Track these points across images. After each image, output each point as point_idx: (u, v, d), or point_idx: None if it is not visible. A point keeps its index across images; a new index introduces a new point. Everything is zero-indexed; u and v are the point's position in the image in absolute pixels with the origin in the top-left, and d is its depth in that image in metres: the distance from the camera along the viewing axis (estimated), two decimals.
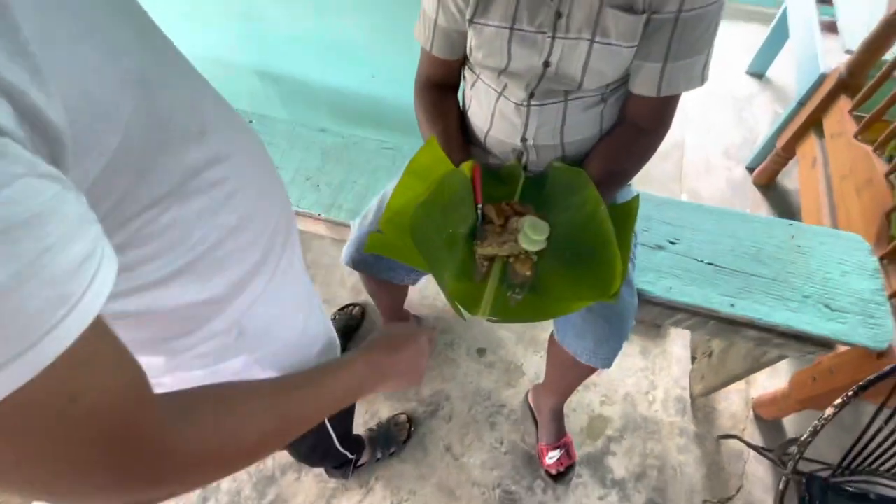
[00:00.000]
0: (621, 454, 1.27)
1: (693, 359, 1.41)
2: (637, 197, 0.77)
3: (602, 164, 0.80)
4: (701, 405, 1.35)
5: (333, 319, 1.31)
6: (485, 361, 1.43)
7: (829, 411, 0.72)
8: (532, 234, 0.76)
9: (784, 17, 1.89)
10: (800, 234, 1.00)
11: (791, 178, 1.76)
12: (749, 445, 1.20)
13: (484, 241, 0.77)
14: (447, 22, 0.77)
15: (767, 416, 1.28)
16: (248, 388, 0.38)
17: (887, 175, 1.11)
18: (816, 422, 0.74)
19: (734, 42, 2.35)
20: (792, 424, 1.30)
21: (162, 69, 0.33)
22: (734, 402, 1.35)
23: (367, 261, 0.91)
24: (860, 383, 0.72)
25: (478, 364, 1.43)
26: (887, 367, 0.71)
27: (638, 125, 0.79)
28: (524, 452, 1.28)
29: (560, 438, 1.22)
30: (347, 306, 1.49)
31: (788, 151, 1.62)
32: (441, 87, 0.89)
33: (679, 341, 1.46)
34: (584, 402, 1.35)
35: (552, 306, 0.71)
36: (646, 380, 1.39)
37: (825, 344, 0.89)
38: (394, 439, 1.25)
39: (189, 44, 1.59)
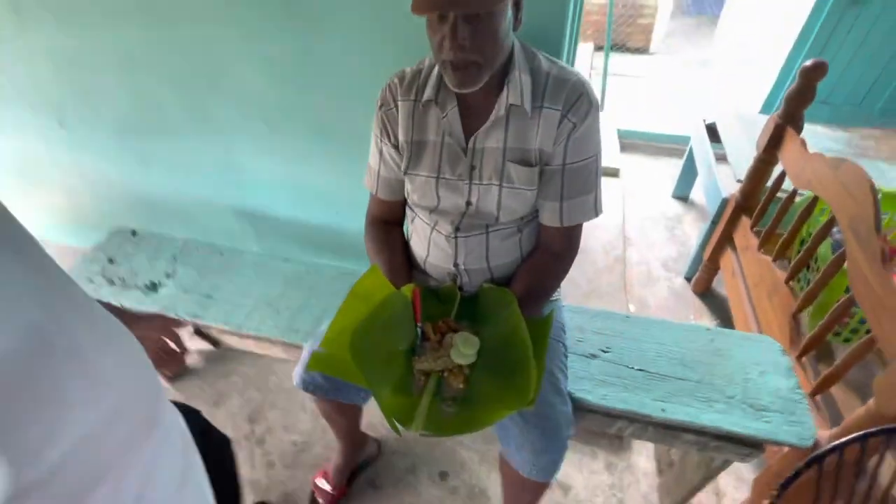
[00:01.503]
0: None
1: (659, 471, 1.38)
2: (552, 312, 0.88)
3: (524, 284, 0.92)
4: None
5: None
6: (447, 486, 1.37)
7: None
8: (463, 349, 0.83)
9: (691, 152, 2.26)
10: (718, 338, 1.09)
11: (723, 285, 1.92)
12: None
13: (421, 357, 0.84)
14: (387, 172, 0.95)
15: None
16: None
17: (786, 281, 1.26)
18: None
19: (660, 172, 2.74)
20: None
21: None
22: None
23: (316, 381, 0.95)
24: (780, 483, 0.75)
25: (440, 490, 1.36)
26: (800, 464, 0.75)
27: (551, 250, 0.93)
28: None
29: None
30: None
31: (714, 263, 1.81)
32: (387, 222, 1.04)
33: (644, 453, 1.44)
34: None
35: (480, 416, 0.76)
36: (614, 497, 1.34)
37: (755, 444, 0.93)
38: None
39: (176, 189, 1.77)
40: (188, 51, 1.26)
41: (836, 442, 0.75)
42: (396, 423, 0.74)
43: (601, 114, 3.35)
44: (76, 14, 1.28)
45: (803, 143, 1.29)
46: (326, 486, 1.31)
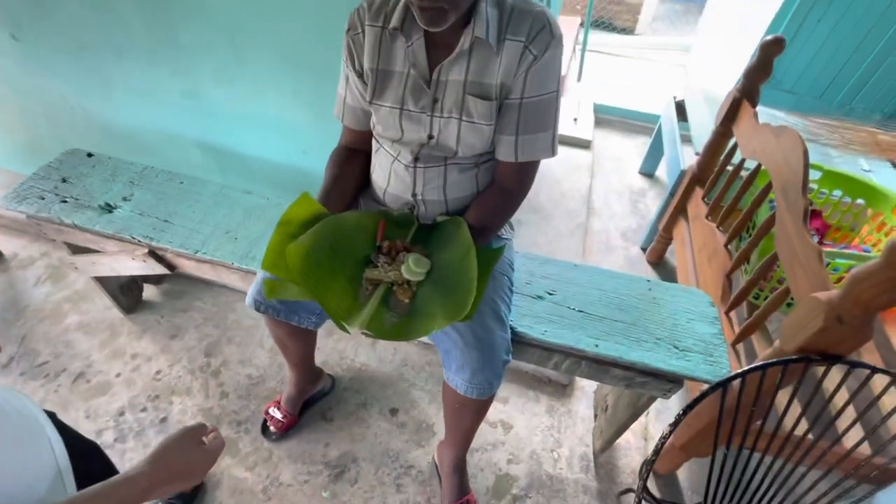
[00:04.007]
0: None
1: (595, 417, 1.48)
2: (502, 247, 0.92)
3: (476, 214, 0.96)
4: (603, 463, 1.39)
5: None
6: (396, 421, 1.44)
7: (666, 430, 0.81)
8: (414, 267, 0.88)
9: (660, 130, 2.33)
10: (656, 288, 1.17)
11: (674, 256, 2.02)
12: (644, 499, 1.24)
13: (373, 269, 0.88)
14: (353, 101, 0.96)
15: (662, 470, 1.34)
16: None
17: (725, 244, 1.35)
18: (658, 440, 0.82)
19: (630, 149, 2.81)
20: (687, 480, 1.36)
21: None
22: (634, 459, 1.41)
23: (268, 302, 0.98)
24: (687, 404, 0.83)
25: (389, 424, 1.43)
26: (705, 387, 0.83)
27: (504, 186, 0.97)
28: None
29: (462, 496, 1.21)
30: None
31: (668, 233, 1.89)
32: (352, 150, 1.05)
33: (584, 400, 1.54)
34: (492, 461, 1.36)
35: (420, 325, 0.81)
36: (552, 437, 1.43)
37: (677, 380, 1.01)
38: None
39: (139, 117, 1.73)
40: None
41: (739, 370, 0.83)
42: (342, 323, 0.78)
43: (579, 84, 3.35)
44: None
45: (755, 115, 1.35)
46: (277, 415, 1.35)
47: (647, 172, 2.59)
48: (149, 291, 1.74)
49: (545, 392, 1.54)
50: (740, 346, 1.20)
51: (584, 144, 2.62)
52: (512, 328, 1.02)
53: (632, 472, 1.38)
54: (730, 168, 1.50)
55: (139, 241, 1.20)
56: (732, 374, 0.84)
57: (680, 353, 1.02)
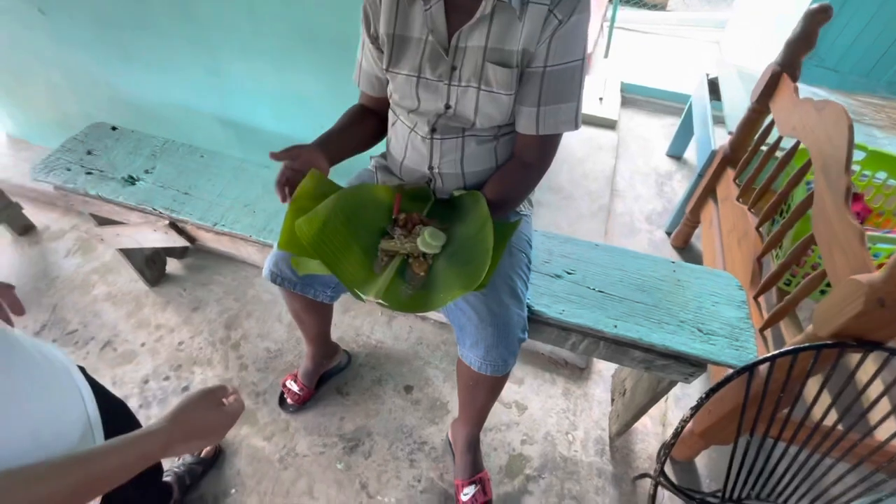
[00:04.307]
0: (539, 493, 1.26)
1: (612, 401, 1.46)
2: (518, 220, 0.90)
3: (494, 188, 0.93)
4: (619, 447, 1.37)
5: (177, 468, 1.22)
6: (411, 398, 1.44)
7: (686, 413, 0.79)
8: (430, 240, 0.86)
9: (691, 110, 2.23)
10: (680, 270, 1.12)
11: (701, 241, 1.95)
12: (660, 483, 1.22)
13: (389, 240, 0.87)
14: (367, 66, 0.94)
15: (680, 456, 1.31)
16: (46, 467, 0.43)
17: (757, 227, 1.29)
18: (678, 424, 0.80)
19: (655, 130, 2.70)
20: (705, 467, 1.33)
21: None
22: (651, 444, 1.38)
23: (284, 274, 0.98)
24: (710, 388, 0.80)
25: (403, 400, 1.43)
26: (730, 372, 0.80)
27: (524, 160, 0.93)
28: (441, 491, 1.25)
29: (476, 474, 1.21)
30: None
31: (695, 216, 1.82)
32: (367, 109, 1.04)
33: (601, 384, 1.51)
34: (506, 440, 1.36)
35: (434, 298, 0.79)
36: (567, 420, 1.42)
37: (699, 364, 0.98)
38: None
39: (161, 91, 1.74)
40: None
41: (768, 354, 0.79)
42: (357, 291, 0.78)
43: (607, 62, 3.24)
44: None
45: (796, 89, 1.27)
46: (294, 387, 1.37)
47: (675, 154, 2.49)
48: (172, 265, 1.78)
49: (562, 374, 1.52)
50: (768, 333, 1.15)
51: (609, 124, 2.53)
52: (529, 307, 1.00)
53: (648, 457, 1.35)
54: (764, 148, 1.43)
55: (160, 212, 1.21)
56: (761, 357, 0.80)
57: (704, 337, 0.98)
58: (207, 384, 1.45)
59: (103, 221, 1.40)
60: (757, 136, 1.48)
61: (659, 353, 0.99)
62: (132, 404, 1.40)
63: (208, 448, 1.26)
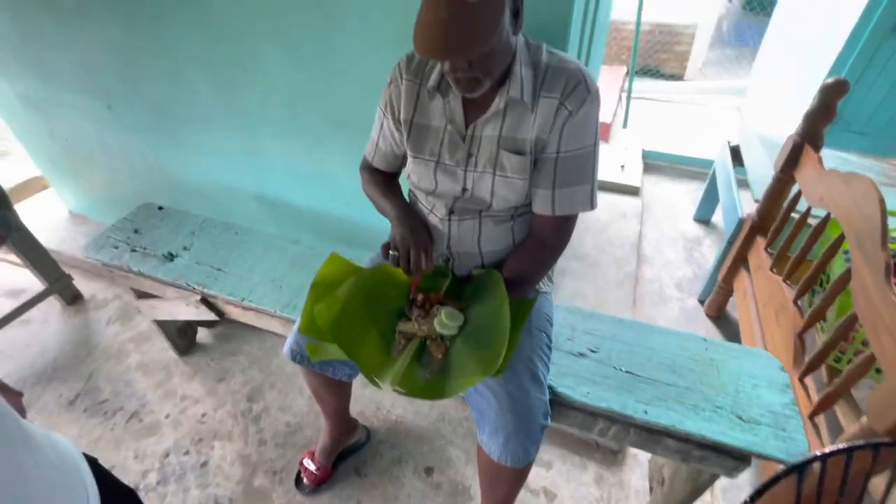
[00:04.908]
0: None
1: (651, 490, 1.33)
2: (536, 297, 0.88)
3: (512, 268, 0.93)
4: None
5: None
6: (431, 481, 1.36)
7: None
8: (447, 321, 0.86)
9: (714, 175, 2.22)
10: (713, 348, 1.06)
11: (736, 309, 1.86)
12: None
13: (406, 322, 0.87)
14: (385, 145, 1.00)
15: None
16: None
17: (795, 301, 1.22)
18: None
19: (680, 195, 2.69)
20: None
21: None
22: None
23: (304, 353, 0.99)
24: (756, 489, 0.72)
25: (424, 484, 1.36)
26: (779, 471, 0.72)
27: (541, 239, 0.94)
28: None
29: None
30: None
31: (728, 284, 1.75)
32: (390, 174, 1.07)
33: (637, 470, 1.39)
34: None
35: (452, 384, 0.77)
36: None
37: (742, 457, 0.89)
38: None
39: (205, 172, 1.89)
40: (221, 40, 1.37)
41: (819, 451, 0.72)
42: (374, 378, 0.77)
43: (626, 132, 3.32)
44: (127, 4, 1.41)
45: (820, 160, 1.25)
46: (311, 467, 1.33)
47: (703, 219, 2.46)
48: (202, 333, 1.83)
49: (593, 459, 1.41)
50: (820, 420, 1.05)
51: (632, 191, 2.55)
52: (551, 388, 0.96)
53: None
54: (795, 216, 1.39)
55: (194, 287, 1.27)
56: (809, 456, 0.72)
57: (745, 425, 0.90)
58: (226, 460, 1.43)
59: (142, 294, 1.48)
60: (785, 203, 1.44)
61: (696, 444, 0.92)
62: (151, 480, 1.38)
63: None
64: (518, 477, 0.95)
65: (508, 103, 0.83)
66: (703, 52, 4.79)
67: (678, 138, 3.20)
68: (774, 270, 1.39)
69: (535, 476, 1.36)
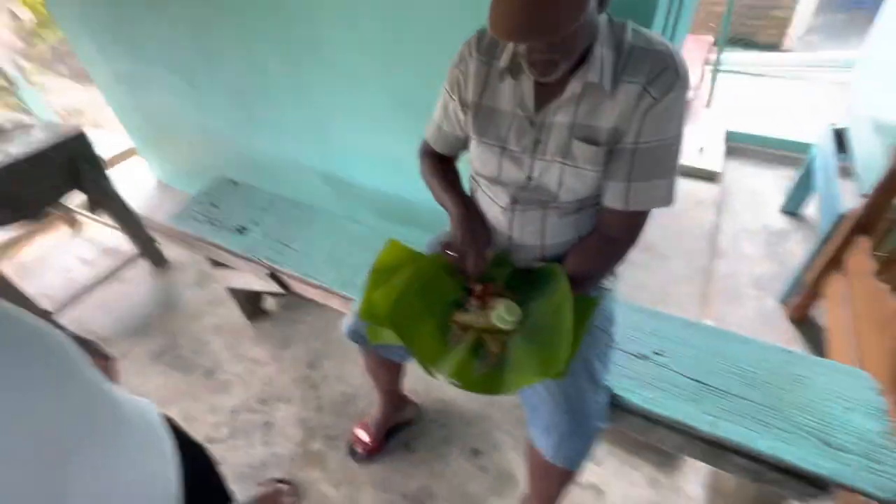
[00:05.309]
0: None
1: (708, 501, 1.26)
2: (600, 295, 0.84)
3: (575, 263, 0.89)
4: None
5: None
6: (477, 463, 1.38)
7: None
8: (505, 315, 0.84)
9: (812, 161, 1.98)
10: (798, 363, 0.96)
11: (824, 315, 1.67)
12: None
13: (464, 312, 0.87)
14: (449, 127, 0.96)
15: None
16: None
17: None
18: None
19: (767, 182, 2.43)
20: None
21: None
22: None
23: (361, 332, 1.02)
24: None
25: (470, 465, 1.38)
26: (863, 500, 0.64)
27: (609, 234, 0.88)
28: None
29: None
30: (271, 480, 1.35)
31: (818, 287, 1.58)
32: (449, 159, 1.05)
33: (693, 477, 1.32)
34: None
35: (508, 380, 0.76)
36: None
37: (822, 485, 0.81)
38: None
39: (274, 148, 1.97)
40: (294, 23, 1.39)
41: None
42: (428, 367, 0.77)
43: (708, 110, 3.03)
44: None
45: None
46: (365, 437, 1.39)
47: (792, 211, 2.21)
48: (268, 302, 1.95)
49: (647, 460, 1.36)
50: None
51: (710, 177, 2.34)
52: (609, 389, 0.92)
53: None
54: None
55: (262, 262, 1.34)
56: None
57: (831, 452, 0.81)
58: (288, 421, 1.53)
59: (217, 264, 1.59)
60: None
61: (770, 465, 0.84)
62: (222, 432, 1.52)
63: None
64: (569, 476, 0.93)
65: (585, 88, 0.76)
66: (808, 17, 4.21)
67: (770, 118, 2.87)
68: (881, 277, 1.22)
69: (585, 471, 1.34)
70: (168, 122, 2.16)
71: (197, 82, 1.85)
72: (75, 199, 2.24)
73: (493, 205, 0.95)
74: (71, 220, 2.41)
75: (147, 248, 2.10)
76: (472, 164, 0.96)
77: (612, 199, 0.83)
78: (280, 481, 1.34)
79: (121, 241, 2.16)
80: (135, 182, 2.60)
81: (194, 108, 1.97)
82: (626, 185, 0.81)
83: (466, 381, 0.78)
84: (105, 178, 1.83)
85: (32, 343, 0.42)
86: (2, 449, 0.36)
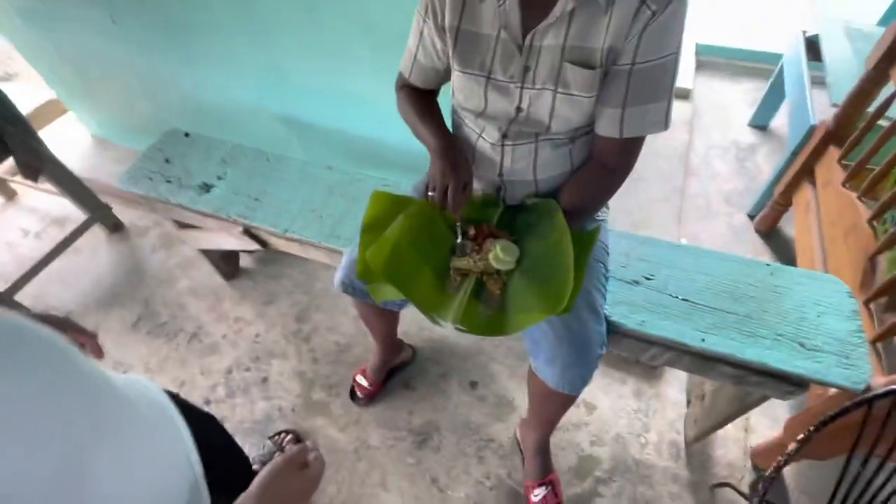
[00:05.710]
0: (610, 496, 1.24)
1: (688, 402, 1.39)
2: (598, 227, 0.83)
3: (571, 197, 0.87)
4: (696, 452, 1.31)
5: (263, 447, 1.33)
6: (476, 394, 1.45)
7: (791, 446, 0.72)
8: (503, 255, 0.83)
9: (781, 72, 1.97)
10: (777, 274, 1.01)
11: (792, 226, 1.76)
12: (744, 495, 1.16)
13: (460, 257, 0.85)
14: (425, 58, 0.88)
15: (765, 465, 1.23)
16: None
17: (870, 220, 1.13)
18: (780, 457, 0.73)
19: (736, 96, 2.43)
20: (794, 480, 1.25)
21: None
22: (731, 451, 1.31)
23: (354, 284, 0.99)
24: (821, 419, 0.72)
25: (469, 397, 1.45)
26: (847, 403, 0.71)
27: (604, 164, 0.86)
28: (510, 489, 1.26)
29: (546, 475, 1.20)
30: (279, 434, 1.38)
31: (786, 199, 1.64)
32: (430, 92, 0.97)
33: (675, 384, 1.44)
34: (574, 440, 1.34)
35: (514, 320, 0.77)
36: (639, 422, 1.37)
37: (800, 383, 0.89)
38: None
39: (225, 93, 1.78)
40: None
41: (889, 388, 0.70)
42: (434, 316, 0.77)
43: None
44: None
45: None
46: (364, 382, 1.42)
47: (760, 125, 2.24)
48: (244, 259, 1.87)
49: (632, 373, 1.46)
50: (881, 345, 1.02)
51: (681, 94, 2.31)
52: (606, 317, 0.95)
53: (728, 463, 1.29)
54: (883, 123, 1.23)
55: (235, 219, 1.26)
56: (881, 391, 0.71)
57: (807, 353, 0.88)
58: (284, 375, 1.53)
59: (183, 225, 1.48)
60: (872, 108, 1.28)
61: (753, 371, 0.91)
62: (219, 393, 1.51)
63: None
64: (571, 400, 0.98)
65: (577, 5, 0.69)
66: None
67: (738, 29, 2.80)
68: (848, 186, 1.27)
69: None
70: (92, 66, 1.90)
71: (119, 17, 1.60)
72: (3, 166, 2.00)
73: (481, 141, 0.90)
74: (4, 190, 2.17)
75: (97, 213, 1.93)
76: (455, 97, 0.89)
77: (607, 127, 0.80)
78: (287, 433, 1.37)
79: (67, 209, 1.98)
80: (67, 140, 2.33)
81: (121, 48, 1.73)
82: (621, 112, 0.77)
83: (473, 325, 0.78)
84: (33, 138, 1.62)
85: (23, 343, 0.37)
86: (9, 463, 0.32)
